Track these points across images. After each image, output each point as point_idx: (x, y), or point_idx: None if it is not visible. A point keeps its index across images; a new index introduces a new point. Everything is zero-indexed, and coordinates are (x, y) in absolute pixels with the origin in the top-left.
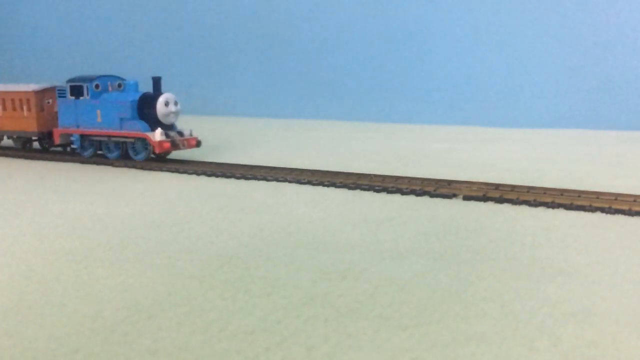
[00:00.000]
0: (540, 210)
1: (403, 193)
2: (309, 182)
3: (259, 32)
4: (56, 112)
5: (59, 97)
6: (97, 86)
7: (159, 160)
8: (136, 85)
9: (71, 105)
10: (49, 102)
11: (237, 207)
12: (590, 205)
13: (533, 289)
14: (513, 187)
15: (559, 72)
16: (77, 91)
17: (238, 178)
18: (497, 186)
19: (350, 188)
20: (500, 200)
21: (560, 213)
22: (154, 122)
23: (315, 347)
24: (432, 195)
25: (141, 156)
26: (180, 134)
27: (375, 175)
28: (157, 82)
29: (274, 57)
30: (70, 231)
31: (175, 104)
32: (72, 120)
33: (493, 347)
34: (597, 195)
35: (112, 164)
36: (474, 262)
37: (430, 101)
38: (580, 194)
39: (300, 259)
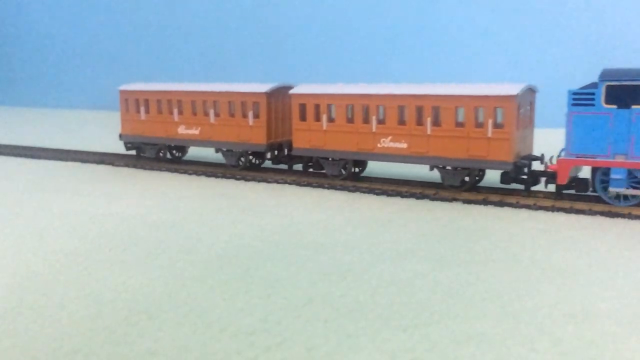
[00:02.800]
0: (540, 214)
1: (403, 196)
2: (309, 185)
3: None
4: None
5: (574, 105)
6: None
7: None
8: None
9: (606, 119)
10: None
11: (237, 208)
12: (590, 210)
13: (533, 289)
14: (513, 191)
15: (559, 72)
16: (625, 95)
17: (238, 179)
18: (497, 190)
19: (350, 191)
20: (500, 204)
21: (560, 216)
22: None
23: (315, 347)
24: (432, 199)
25: None
26: None
27: (376, 178)
28: None
29: None
30: (70, 231)
31: None
32: (600, 145)
33: (493, 347)
34: (597, 198)
35: (112, 164)
36: (474, 263)
37: None
38: (580, 197)
39: (300, 260)
